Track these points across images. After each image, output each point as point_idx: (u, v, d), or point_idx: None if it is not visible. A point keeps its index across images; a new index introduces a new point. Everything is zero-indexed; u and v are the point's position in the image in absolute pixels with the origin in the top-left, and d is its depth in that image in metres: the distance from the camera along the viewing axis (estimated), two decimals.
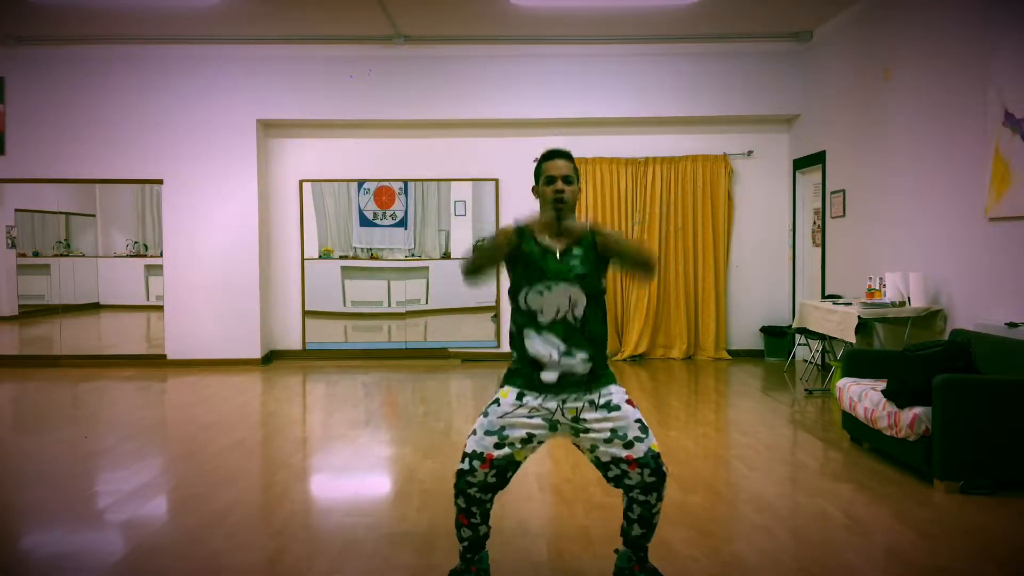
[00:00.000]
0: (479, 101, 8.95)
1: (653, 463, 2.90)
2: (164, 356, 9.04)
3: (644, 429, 2.96)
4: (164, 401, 7.39)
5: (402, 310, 9.47)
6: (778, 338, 9.04)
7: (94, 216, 9.86)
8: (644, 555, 3.06)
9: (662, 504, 2.97)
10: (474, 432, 2.96)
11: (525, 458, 2.99)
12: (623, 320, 9.31)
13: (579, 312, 2.93)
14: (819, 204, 8.58)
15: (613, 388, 3.00)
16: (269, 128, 9.32)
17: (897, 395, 4.59)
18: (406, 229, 9.45)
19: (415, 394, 7.38)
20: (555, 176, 2.99)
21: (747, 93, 8.93)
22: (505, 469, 2.93)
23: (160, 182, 8.99)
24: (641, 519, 2.96)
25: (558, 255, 2.97)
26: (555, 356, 2.91)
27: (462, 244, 9.39)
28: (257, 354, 8.98)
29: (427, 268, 9.44)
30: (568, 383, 2.92)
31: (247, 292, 8.97)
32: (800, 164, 8.99)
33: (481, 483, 2.92)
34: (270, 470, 5.01)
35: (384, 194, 9.42)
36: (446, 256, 9.45)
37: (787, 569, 3.31)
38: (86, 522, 3.99)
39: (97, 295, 9.95)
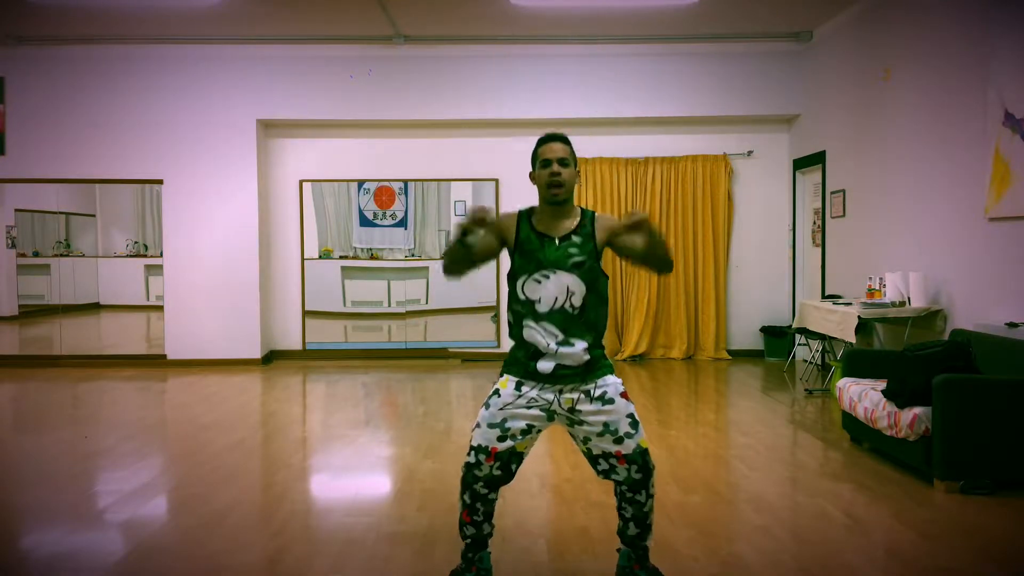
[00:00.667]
0: (479, 101, 8.95)
1: (640, 460, 2.89)
2: (164, 356, 9.04)
3: (635, 424, 2.92)
4: (164, 401, 7.39)
5: (402, 310, 9.47)
6: (778, 338, 9.04)
7: (94, 216, 9.86)
8: (644, 554, 3.05)
9: (653, 501, 2.97)
10: (478, 425, 2.95)
11: (526, 449, 2.98)
12: (623, 320, 9.31)
13: (577, 301, 2.92)
14: (819, 204, 8.58)
15: (610, 379, 2.96)
16: (269, 128, 9.32)
17: (897, 395, 4.59)
18: (406, 229, 9.45)
19: (415, 394, 7.38)
20: (550, 159, 2.95)
21: (747, 93, 8.93)
22: (509, 462, 2.93)
23: (160, 182, 9.00)
24: (635, 519, 2.96)
25: (557, 243, 2.94)
26: (553, 346, 2.90)
27: None
28: (257, 354, 8.98)
29: (427, 268, 9.45)
30: (565, 373, 2.91)
31: (247, 292, 8.97)
32: (800, 164, 8.99)
33: (487, 477, 2.91)
34: (270, 470, 5.01)
35: (384, 194, 9.43)
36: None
37: (787, 569, 3.31)
38: (86, 522, 3.99)
39: (97, 295, 9.95)
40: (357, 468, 5.02)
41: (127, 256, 9.90)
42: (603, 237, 2.98)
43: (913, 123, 6.54)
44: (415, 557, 3.45)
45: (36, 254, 9.66)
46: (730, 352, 9.31)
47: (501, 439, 2.90)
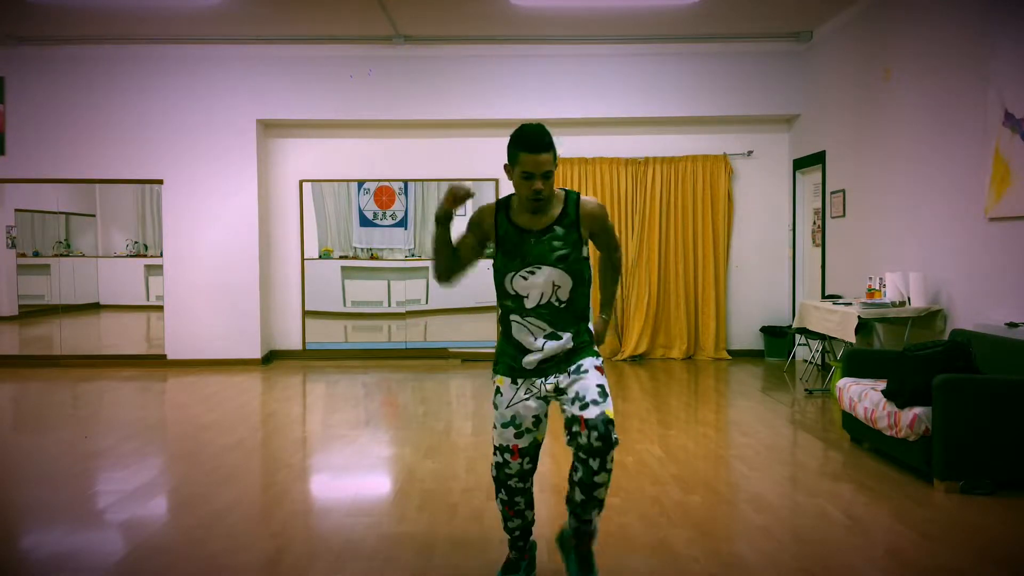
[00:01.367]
0: (479, 101, 8.95)
1: (603, 427, 2.77)
2: (164, 356, 9.04)
3: (603, 395, 2.85)
4: (164, 401, 7.39)
5: (402, 310, 9.47)
6: (778, 338, 9.04)
7: (94, 216, 9.86)
8: (585, 534, 2.98)
9: (608, 477, 2.84)
10: (495, 426, 2.99)
11: (543, 435, 3.02)
12: (623, 320, 9.31)
13: (564, 295, 2.91)
14: (819, 204, 8.58)
15: (589, 359, 2.95)
16: (269, 128, 9.32)
17: (897, 395, 4.59)
18: (406, 229, 9.45)
19: (415, 394, 7.38)
20: (534, 173, 2.79)
21: (747, 93, 8.93)
22: (535, 454, 2.99)
23: (160, 182, 8.99)
24: (582, 484, 2.84)
25: (538, 236, 2.89)
26: (540, 342, 2.92)
27: None
28: (257, 354, 8.98)
29: (427, 268, 9.44)
30: (550, 365, 2.95)
31: (247, 292, 8.97)
32: (800, 164, 8.99)
33: (518, 472, 2.96)
34: (270, 470, 5.01)
35: (384, 194, 9.43)
36: None
37: (787, 569, 3.31)
38: (86, 522, 3.99)
39: (97, 295, 9.95)
40: (357, 468, 5.02)
41: (127, 256, 9.90)
42: (589, 230, 2.94)
43: (913, 123, 6.54)
44: (415, 557, 3.45)
45: (36, 254, 9.66)
46: (730, 352, 9.31)
47: (518, 435, 2.94)
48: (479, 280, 10.11)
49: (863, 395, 4.99)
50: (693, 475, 4.64)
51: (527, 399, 2.94)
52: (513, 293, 2.94)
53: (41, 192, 9.26)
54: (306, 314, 9.42)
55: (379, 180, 9.40)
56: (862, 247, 7.45)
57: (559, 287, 2.90)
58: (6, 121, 8.91)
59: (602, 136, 9.28)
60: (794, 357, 8.60)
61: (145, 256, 9.79)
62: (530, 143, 2.79)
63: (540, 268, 2.89)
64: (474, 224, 3.02)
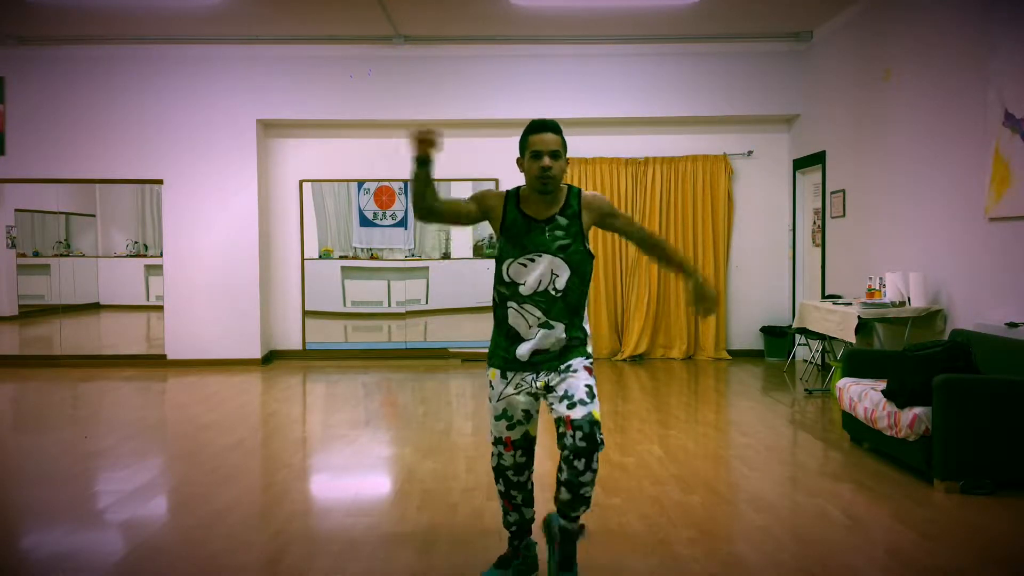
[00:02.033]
0: (479, 101, 8.95)
1: (588, 427, 2.80)
2: (164, 356, 9.04)
3: (591, 395, 2.88)
4: (164, 401, 7.39)
5: (402, 310, 9.47)
6: (778, 338, 9.04)
7: (94, 216, 9.86)
8: (568, 534, 3.00)
9: (594, 477, 2.86)
10: (490, 419, 3.08)
11: (535, 430, 3.07)
12: (623, 320, 9.31)
13: (561, 284, 2.94)
14: (819, 204, 8.58)
15: (580, 359, 2.98)
16: (269, 128, 9.32)
17: (897, 395, 4.59)
18: (406, 229, 9.45)
19: (415, 394, 7.38)
20: (541, 151, 2.88)
21: (747, 93, 8.93)
22: (528, 447, 3.05)
23: (160, 182, 9.00)
24: (568, 484, 2.86)
25: (543, 225, 2.95)
26: (534, 329, 2.95)
27: (462, 244, 9.40)
28: (257, 354, 8.98)
29: (427, 268, 9.44)
30: (540, 360, 2.97)
31: (247, 292, 8.97)
32: (800, 164, 8.99)
33: (513, 464, 3.03)
34: (270, 470, 5.01)
35: (384, 194, 9.43)
36: (446, 256, 9.45)
37: (787, 569, 3.31)
38: (86, 522, 3.99)
39: (97, 295, 9.95)
40: (357, 468, 5.02)
41: (127, 256, 9.90)
42: (591, 219, 3.00)
43: (913, 123, 6.54)
44: (415, 557, 3.45)
45: (36, 254, 9.66)
46: (730, 352, 9.31)
47: (510, 428, 3.02)
48: (479, 280, 10.15)
49: (863, 395, 4.99)
50: (693, 475, 4.64)
51: (516, 394, 3.00)
52: (509, 280, 2.97)
53: (41, 192, 9.26)
54: (306, 314, 9.42)
55: (379, 180, 9.40)
56: (862, 247, 7.45)
57: (557, 275, 2.93)
58: (6, 121, 8.91)
59: (602, 136, 9.28)
60: (794, 357, 8.60)
61: (145, 256, 9.79)
62: (537, 125, 2.93)
63: (540, 256, 2.93)
64: (479, 197, 3.08)
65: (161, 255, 9.07)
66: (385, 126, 9.27)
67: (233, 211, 8.95)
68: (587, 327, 3.08)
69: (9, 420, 6.84)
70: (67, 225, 9.66)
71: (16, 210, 9.39)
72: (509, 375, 3.02)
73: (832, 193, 8.12)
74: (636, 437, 5.53)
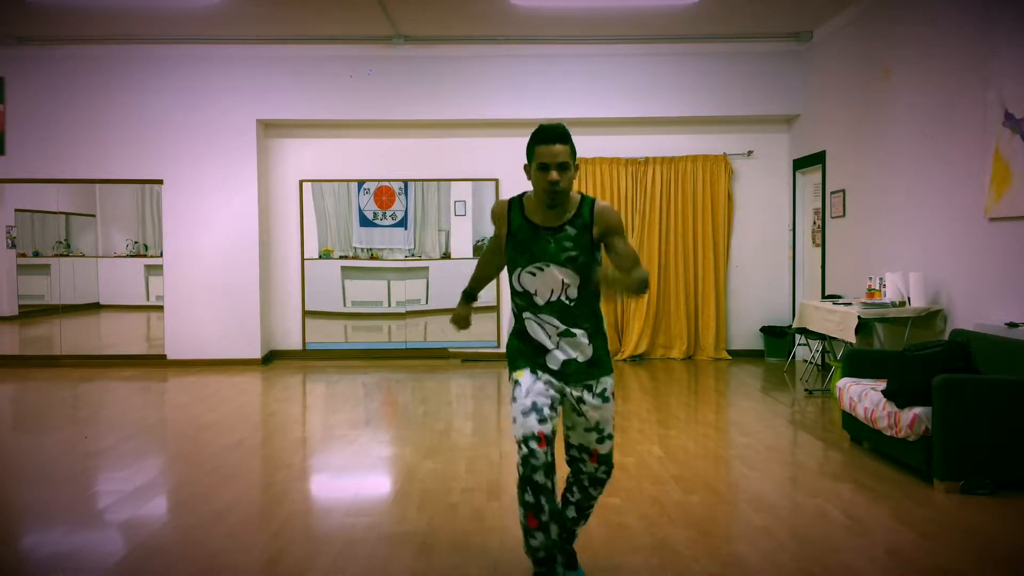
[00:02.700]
0: (479, 101, 8.95)
1: (610, 460, 3.01)
2: (164, 356, 9.04)
3: (613, 427, 3.04)
4: (164, 401, 7.39)
5: (402, 310, 9.47)
6: (778, 338, 9.04)
7: (94, 216, 9.86)
8: (569, 536, 3.14)
9: (600, 497, 3.10)
10: (514, 420, 2.82)
11: (555, 428, 2.92)
12: (623, 320, 9.31)
13: (573, 293, 2.90)
14: (819, 204, 8.58)
15: (610, 379, 2.99)
16: (269, 128, 9.32)
17: (897, 395, 4.59)
18: (406, 229, 9.45)
19: (415, 394, 7.38)
20: (549, 164, 2.77)
21: (747, 93, 8.93)
22: (554, 443, 2.85)
23: (160, 182, 9.00)
24: (578, 505, 3.07)
25: (550, 234, 2.87)
26: (555, 338, 2.91)
27: (462, 244, 9.40)
28: (257, 354, 8.98)
29: (427, 268, 9.44)
30: (571, 370, 2.92)
31: (247, 292, 8.97)
32: (800, 164, 8.99)
33: (544, 464, 2.72)
34: (270, 470, 5.01)
35: (384, 194, 9.42)
36: (446, 256, 9.45)
37: (787, 569, 3.31)
38: (86, 522, 3.99)
39: (97, 295, 9.95)
40: (357, 468, 5.02)
41: (127, 256, 9.90)
42: (600, 232, 2.88)
43: (913, 123, 6.54)
44: (415, 557, 3.45)
45: (36, 254, 9.66)
46: (730, 352, 9.31)
47: (542, 422, 2.76)
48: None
49: (863, 395, 4.99)
50: (693, 475, 4.64)
51: (548, 389, 2.86)
52: (521, 290, 2.93)
53: (41, 192, 9.26)
54: (306, 314, 9.42)
55: (379, 180, 9.40)
56: (862, 247, 7.45)
57: (568, 285, 2.89)
58: (6, 121, 8.91)
59: (602, 136, 9.28)
60: (794, 357, 8.60)
61: (145, 256, 9.79)
62: (544, 135, 2.80)
63: (548, 266, 2.87)
64: (496, 217, 3.02)
65: (161, 255, 9.07)
66: (385, 126, 9.27)
67: (233, 211, 8.95)
68: (604, 329, 3.03)
69: (9, 420, 6.84)
70: (67, 225, 9.66)
71: (16, 210, 9.39)
72: (539, 373, 2.90)
73: (832, 193, 8.12)
74: (636, 437, 5.53)
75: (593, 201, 2.92)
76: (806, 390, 7.27)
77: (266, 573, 3.35)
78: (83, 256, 9.83)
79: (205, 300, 8.98)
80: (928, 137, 6.32)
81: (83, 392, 7.69)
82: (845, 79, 7.81)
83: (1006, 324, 5.12)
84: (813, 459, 5.13)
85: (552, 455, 2.77)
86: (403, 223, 9.43)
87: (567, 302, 2.90)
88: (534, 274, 2.90)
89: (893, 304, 6.30)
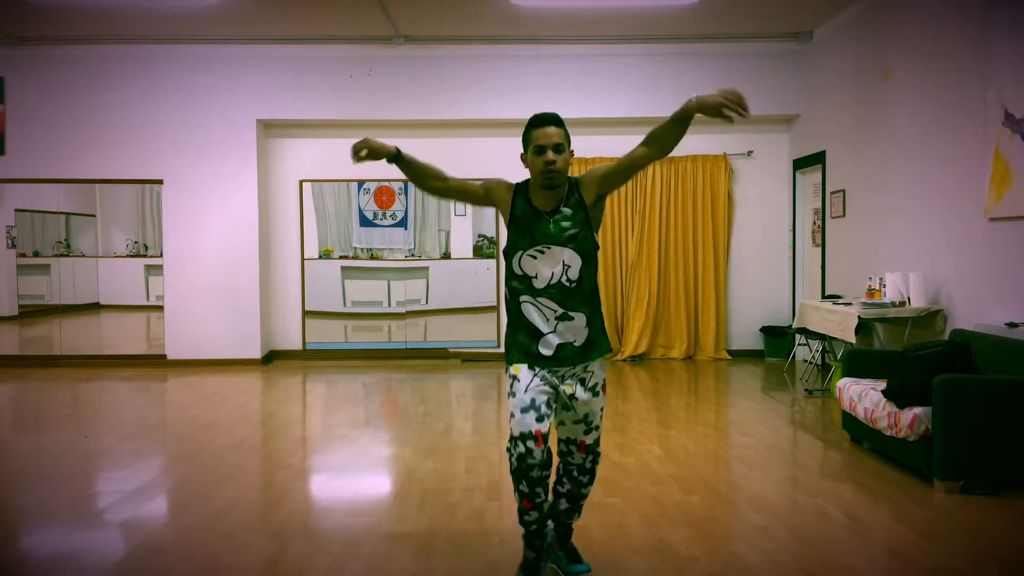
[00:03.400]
0: (479, 101, 8.95)
1: (597, 448, 3.09)
2: (164, 356, 9.04)
3: (601, 418, 3.09)
4: (164, 401, 7.39)
5: (402, 310, 9.47)
6: (778, 338, 9.04)
7: (94, 216, 9.86)
8: (567, 532, 3.23)
9: (591, 487, 3.15)
10: (512, 416, 2.90)
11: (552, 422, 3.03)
12: (623, 320, 9.31)
13: (574, 274, 2.93)
14: (819, 204, 8.58)
15: (597, 366, 3.02)
16: (269, 128, 9.32)
17: (897, 395, 4.59)
18: (406, 229, 9.45)
19: (415, 394, 7.38)
20: (545, 145, 2.88)
21: (747, 93, 8.64)
22: (549, 439, 2.94)
23: (160, 182, 9.00)
24: (569, 495, 3.13)
25: (550, 216, 2.94)
26: (552, 322, 2.93)
27: (462, 244, 9.40)
28: (257, 354, 8.98)
29: (427, 268, 9.45)
30: (565, 354, 2.94)
31: (247, 292, 8.97)
32: (800, 164, 8.99)
33: (540, 461, 2.86)
34: (270, 470, 5.01)
35: (384, 194, 9.43)
36: (446, 256, 9.45)
37: (787, 569, 3.31)
38: (86, 522, 3.99)
39: (97, 295, 9.95)
40: (357, 468, 5.02)
41: (127, 256, 9.90)
42: (592, 194, 2.97)
43: (913, 123, 6.54)
44: (415, 557, 3.45)
45: (36, 254, 9.66)
46: (730, 352, 9.31)
47: (539, 420, 2.85)
48: (479, 280, 10.13)
49: (863, 395, 4.99)
50: (693, 475, 4.64)
51: (544, 385, 2.92)
52: (521, 273, 2.95)
53: (41, 192, 9.26)
54: (306, 314, 9.42)
55: (379, 180, 9.41)
56: (862, 247, 7.45)
57: (569, 266, 2.92)
58: (6, 121, 8.91)
59: (602, 136, 9.28)
60: (794, 357, 8.60)
61: (145, 256, 9.79)
62: (538, 120, 2.92)
63: (550, 248, 2.92)
64: (489, 186, 3.07)
65: (161, 255, 9.07)
66: (385, 126, 9.26)
67: (233, 211, 8.95)
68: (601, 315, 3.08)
69: (9, 420, 6.84)
70: (67, 225, 9.66)
71: (16, 210, 9.39)
72: (536, 369, 2.94)
73: (832, 193, 8.12)
74: (636, 437, 5.53)
75: (577, 179, 3.03)
76: (806, 390, 7.27)
77: (266, 573, 3.35)
78: (83, 256, 9.83)
79: (205, 300, 8.98)
80: (928, 137, 6.32)
81: (83, 392, 7.69)
82: (845, 79, 7.81)
83: (1006, 324, 5.12)
84: (813, 459, 5.13)
85: (548, 452, 2.92)
86: (403, 223, 9.44)
87: (568, 284, 2.92)
88: (535, 256, 2.93)
89: (893, 304, 6.30)
